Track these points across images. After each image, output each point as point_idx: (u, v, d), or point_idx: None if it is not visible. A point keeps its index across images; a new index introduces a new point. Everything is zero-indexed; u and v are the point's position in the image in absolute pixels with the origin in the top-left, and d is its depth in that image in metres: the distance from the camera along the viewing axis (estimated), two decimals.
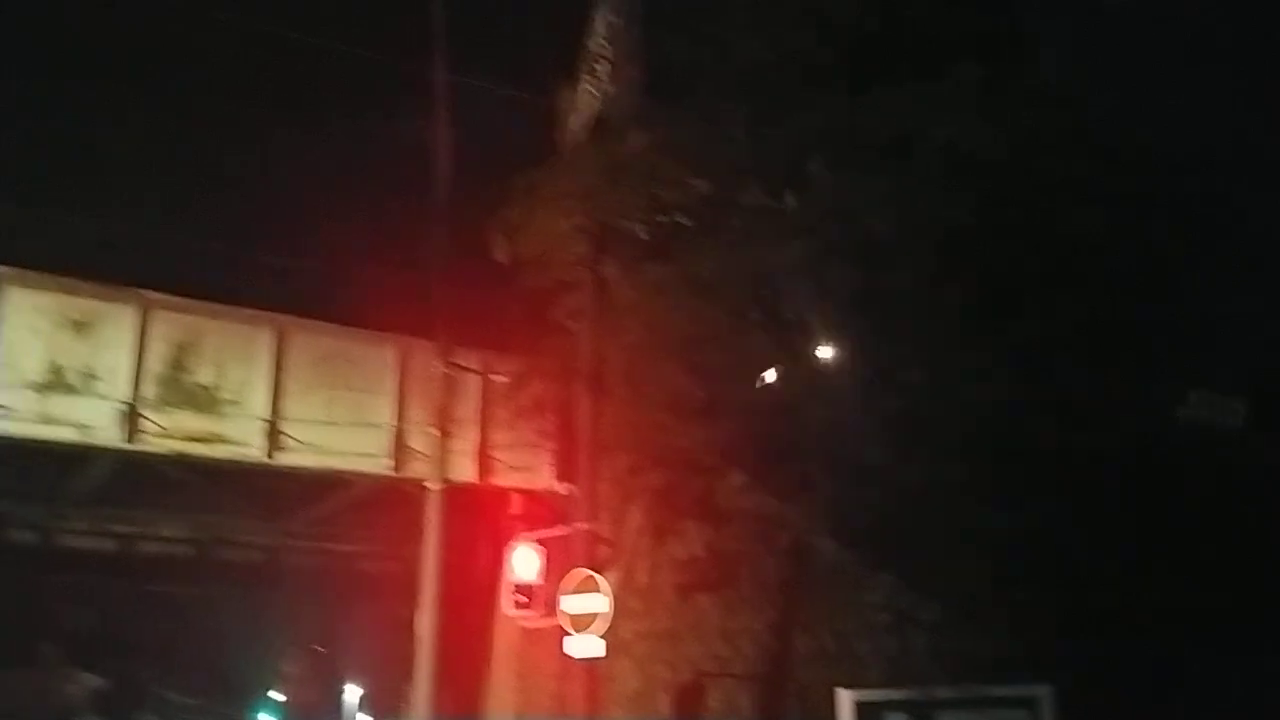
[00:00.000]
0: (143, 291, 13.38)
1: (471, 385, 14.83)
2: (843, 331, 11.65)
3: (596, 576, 12.21)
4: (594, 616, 11.91)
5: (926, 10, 12.16)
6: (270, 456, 13.74)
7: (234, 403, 13.62)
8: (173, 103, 17.09)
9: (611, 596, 11.92)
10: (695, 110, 12.67)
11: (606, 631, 11.74)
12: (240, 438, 13.60)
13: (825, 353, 11.88)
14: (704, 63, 12.71)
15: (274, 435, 13.74)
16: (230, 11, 14.34)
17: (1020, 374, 10.53)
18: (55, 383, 12.86)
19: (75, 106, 16.85)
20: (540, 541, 13.44)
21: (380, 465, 14.45)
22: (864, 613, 12.12)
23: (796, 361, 12.05)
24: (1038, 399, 10.48)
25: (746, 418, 12.11)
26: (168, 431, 13.23)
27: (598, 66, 14.45)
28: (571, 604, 12.13)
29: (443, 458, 13.66)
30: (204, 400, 13.48)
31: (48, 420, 12.81)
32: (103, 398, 12.96)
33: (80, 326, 13.10)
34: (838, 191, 11.39)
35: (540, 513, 14.59)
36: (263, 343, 13.94)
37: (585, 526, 12.67)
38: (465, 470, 14.50)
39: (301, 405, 14.00)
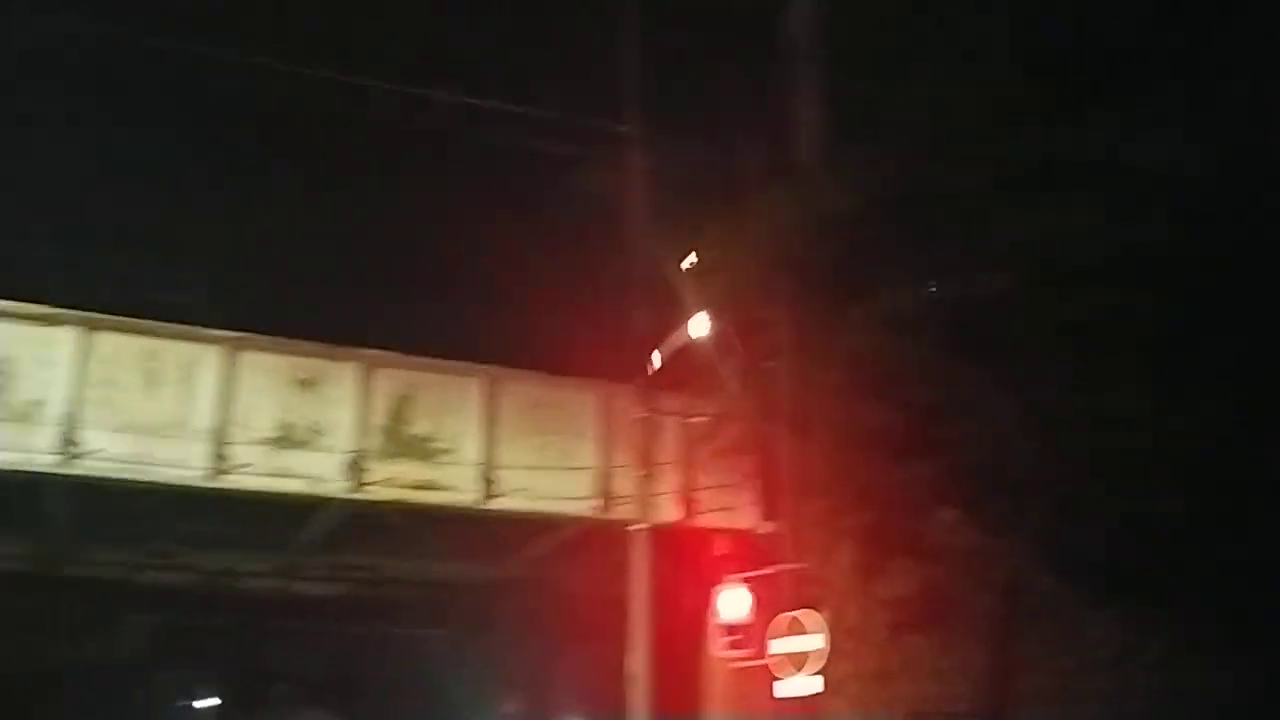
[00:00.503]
0: (363, 350, 14.26)
1: (673, 428, 15.17)
2: (1050, 361, 11.50)
3: (807, 616, 12.36)
4: (806, 656, 12.05)
5: (1122, 29, 11.95)
6: (485, 502, 14.36)
7: (450, 451, 14.36)
8: (381, 170, 18.07)
9: (826, 635, 12.02)
10: (884, 147, 12.78)
11: (819, 671, 11.84)
12: (456, 484, 14.31)
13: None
14: (890, 100, 12.81)
15: (488, 481, 14.36)
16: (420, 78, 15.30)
17: (1237, 401, 10.19)
18: (286, 438, 13.81)
19: (288, 181, 18.03)
20: (747, 581, 13.66)
21: (588, 508, 14.91)
22: (1083, 650, 11.85)
23: (1004, 394, 11.95)
24: (1259, 426, 10.11)
25: (954, 452, 12.07)
26: (390, 480, 14.02)
27: (783, 107, 14.74)
28: (782, 644, 12.33)
29: (646, 500, 14.13)
30: (422, 450, 14.27)
31: (280, 474, 13.75)
32: (329, 451, 13.84)
33: (307, 385, 14.06)
34: (1038, 220, 11.29)
35: (745, 553, 14.80)
36: (474, 393, 14.64)
37: (792, 566, 12.83)
38: (669, 512, 14.84)
39: (512, 452, 14.63)
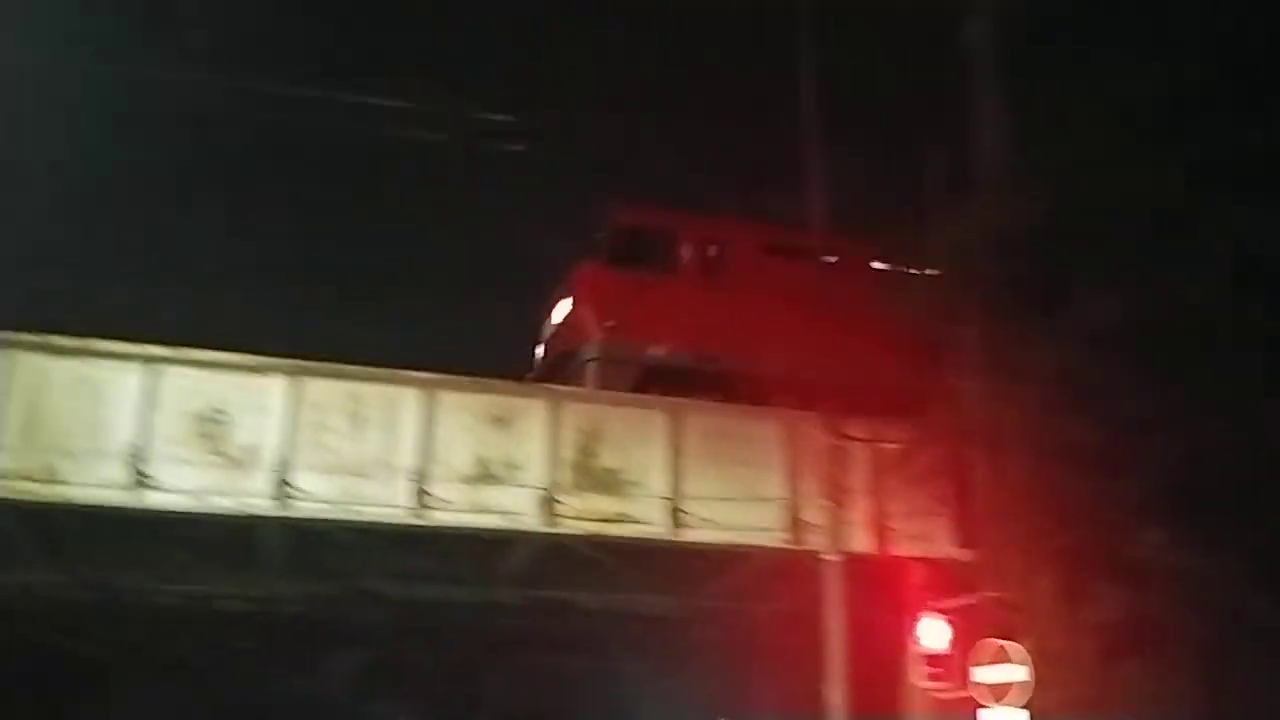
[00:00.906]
0: (552, 386, 14.73)
1: (861, 454, 15.11)
2: (1259, 371, 11.02)
3: (1010, 646, 12.12)
4: (1009, 687, 11.80)
5: None
6: (674, 534, 14.59)
7: (638, 484, 14.70)
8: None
9: (1030, 666, 11.76)
10: (1069, 152, 12.51)
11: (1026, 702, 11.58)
12: (646, 517, 14.62)
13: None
14: (1072, 102, 12.55)
15: (675, 513, 14.61)
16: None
17: None
18: (482, 474, 14.40)
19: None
20: (947, 610, 13.46)
21: (776, 539, 14.98)
22: None
23: (1211, 406, 11.50)
24: None
25: (1161, 469, 11.67)
26: (582, 514, 14.43)
27: (962, 118, 14.59)
28: (986, 674, 12.12)
29: (837, 529, 14.11)
30: (611, 483, 14.65)
31: (478, 509, 14.34)
32: (523, 486, 14.35)
33: (500, 422, 14.62)
34: (1238, 221, 10.86)
35: (942, 581, 14.57)
36: (659, 426, 14.92)
37: (993, 594, 12.59)
38: (862, 541, 14.77)
39: (699, 483, 14.87)
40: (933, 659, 13.67)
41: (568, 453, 14.65)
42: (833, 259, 16.28)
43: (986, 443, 13.83)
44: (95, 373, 13.48)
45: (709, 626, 19.34)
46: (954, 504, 14.94)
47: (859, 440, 14.85)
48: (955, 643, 13.67)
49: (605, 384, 16.03)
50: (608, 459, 14.76)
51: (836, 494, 14.22)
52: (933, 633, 13.95)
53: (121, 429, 13.32)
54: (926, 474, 14.99)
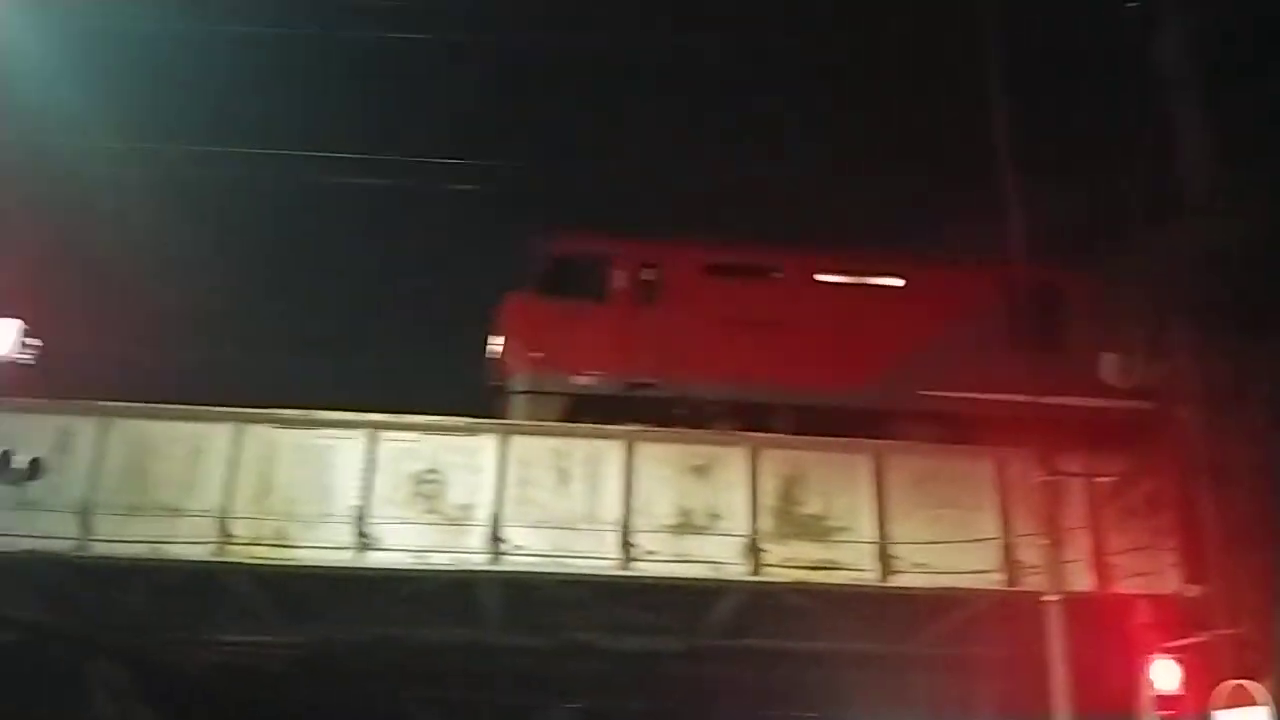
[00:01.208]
0: (750, 434, 14.86)
1: (1078, 490, 14.69)
2: None
3: (1251, 686, 11.53)
4: None
5: None
6: (884, 580, 14.47)
7: (844, 529, 14.69)
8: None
9: (1272, 706, 11.16)
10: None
11: None
12: (853, 563, 14.58)
13: None
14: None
15: (885, 559, 14.49)
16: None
17: None
18: (685, 524, 14.65)
19: None
20: (1177, 650, 12.90)
21: (992, 581, 14.67)
22: None
23: None
24: None
25: None
26: (787, 561, 14.49)
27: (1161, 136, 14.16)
28: (1225, 717, 11.51)
29: (1056, 568, 13.71)
30: (816, 529, 14.69)
31: (683, 559, 14.57)
32: (727, 534, 14.51)
33: (700, 471, 14.85)
34: None
35: (1170, 619, 13.96)
36: (862, 468, 14.85)
37: (1227, 631, 12.01)
38: (1082, 580, 14.33)
39: (906, 527, 14.75)
40: (1164, 701, 13.10)
41: (769, 499, 14.77)
42: (779, 275, 16.61)
43: (1212, 472, 13.23)
44: (318, 441, 14.38)
45: (924, 673, 18.94)
46: (1178, 537, 14.33)
47: (1074, 475, 14.41)
48: (1187, 683, 13.07)
49: (533, 415, 15.84)
50: (811, 504, 14.79)
51: (1053, 532, 13.81)
52: (1164, 673, 13.38)
53: (345, 493, 14.17)
54: (1146, 507, 14.45)
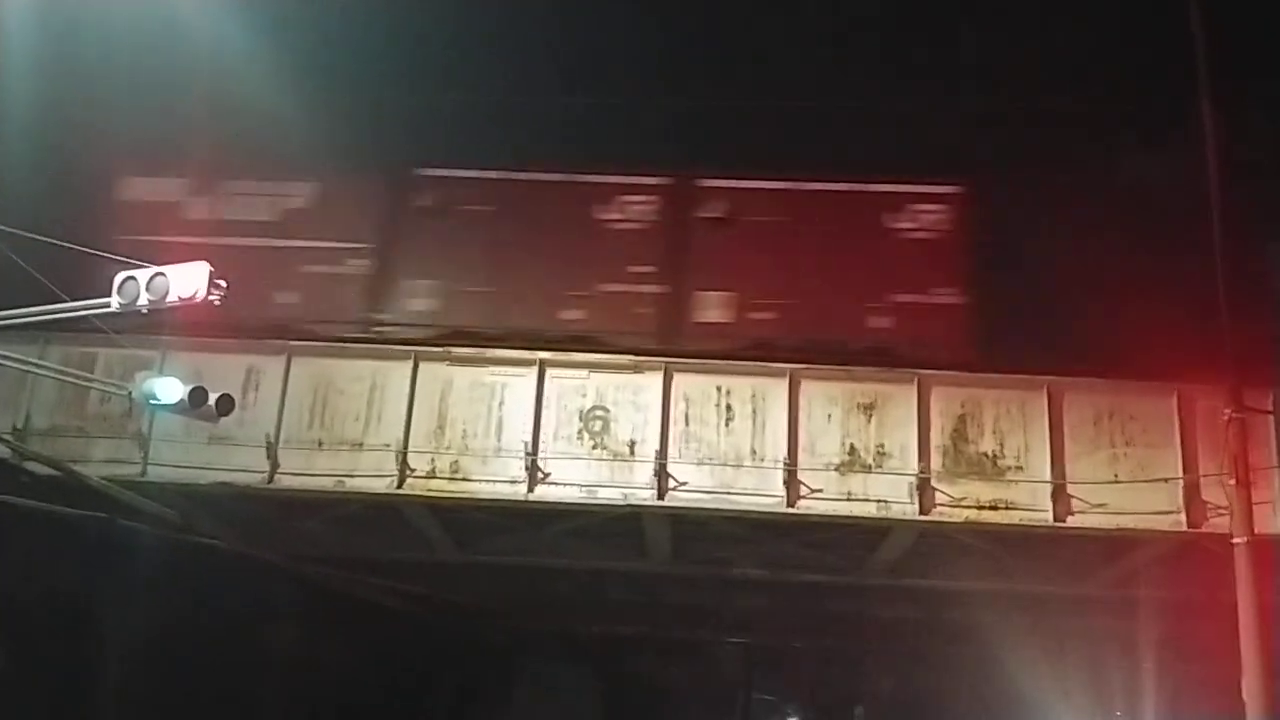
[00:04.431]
0: (918, 371, 14.51)
1: (1267, 428, 13.90)
2: None
3: None
4: None
5: None
6: (1059, 520, 14.02)
7: (1017, 468, 14.27)
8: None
9: None
10: None
11: None
12: (1027, 502, 14.16)
13: None
14: None
15: (1060, 498, 14.03)
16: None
17: None
18: (852, 462, 14.43)
19: None
20: None
21: (1174, 522, 14.07)
22: None
23: None
24: None
25: None
26: (958, 501, 14.15)
27: None
28: None
29: (1245, 509, 13.03)
30: (988, 468, 14.30)
31: (849, 497, 14.39)
32: (895, 473, 14.25)
33: (868, 409, 14.60)
34: None
35: None
36: (1037, 407, 14.38)
37: None
38: (1273, 521, 13.56)
39: (1083, 466, 14.29)
40: None
41: (939, 438, 14.44)
42: None
43: None
44: (491, 378, 14.64)
45: (1100, 615, 18.41)
46: None
47: (1266, 412, 13.64)
48: None
49: None
50: (983, 443, 14.40)
51: (1241, 471, 13.11)
52: None
53: (515, 428, 14.41)
54: None
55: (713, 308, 16.24)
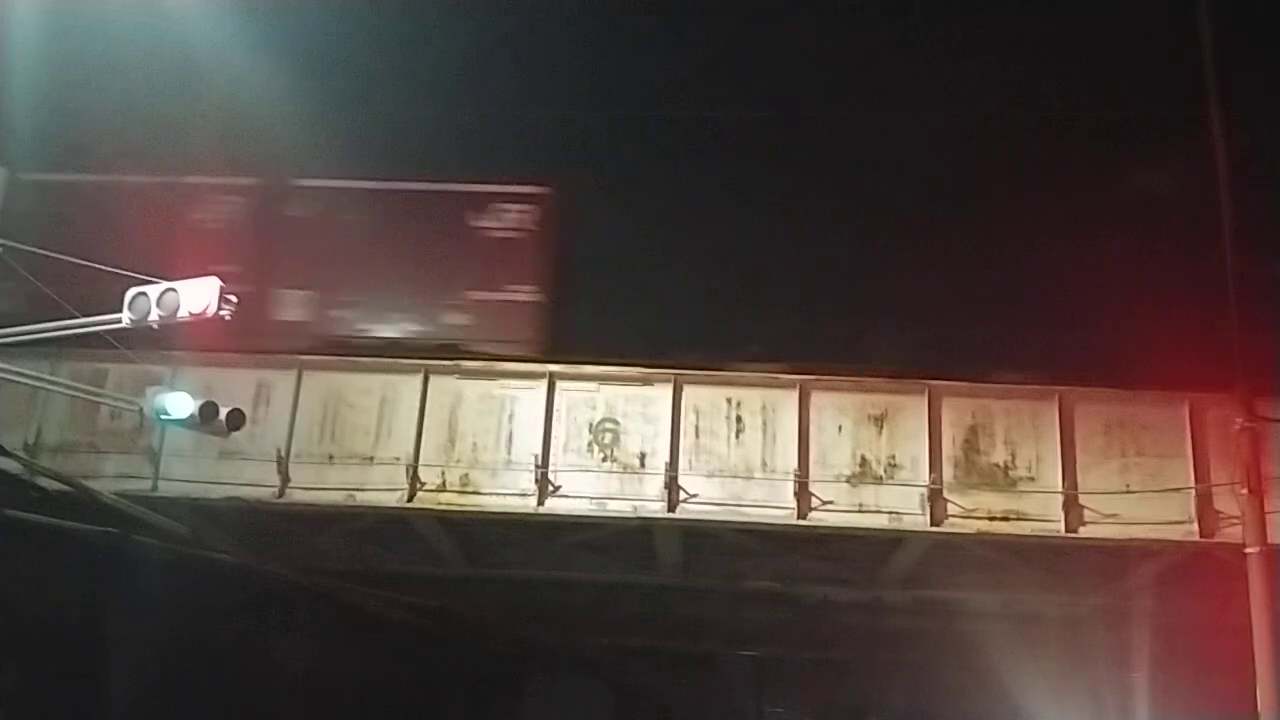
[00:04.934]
0: (930, 381, 14.49)
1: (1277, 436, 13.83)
2: None
3: None
4: None
5: None
6: (1070, 530, 13.97)
7: (1028, 479, 14.22)
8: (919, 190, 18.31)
9: None
10: None
11: None
12: (1039, 513, 14.10)
13: None
14: None
15: (1071, 509, 13.98)
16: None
17: None
18: (863, 474, 14.39)
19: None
20: None
21: (1185, 532, 14.02)
22: None
23: None
24: None
25: None
26: (969, 512, 14.12)
27: None
28: None
29: (1258, 519, 12.99)
30: (999, 479, 14.27)
31: (860, 509, 14.35)
32: (906, 484, 14.21)
33: (878, 420, 14.55)
34: None
35: None
36: (1048, 417, 14.34)
37: None
38: None
39: (1094, 476, 14.23)
40: None
41: (951, 449, 14.38)
42: None
43: None
44: (501, 391, 14.64)
45: (1113, 626, 18.33)
46: None
47: (1274, 421, 13.58)
48: None
49: None
50: (994, 453, 14.36)
51: (1254, 480, 13.06)
52: None
53: (525, 441, 14.42)
54: None
55: (294, 306, 16.40)
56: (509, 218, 16.77)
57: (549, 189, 16.99)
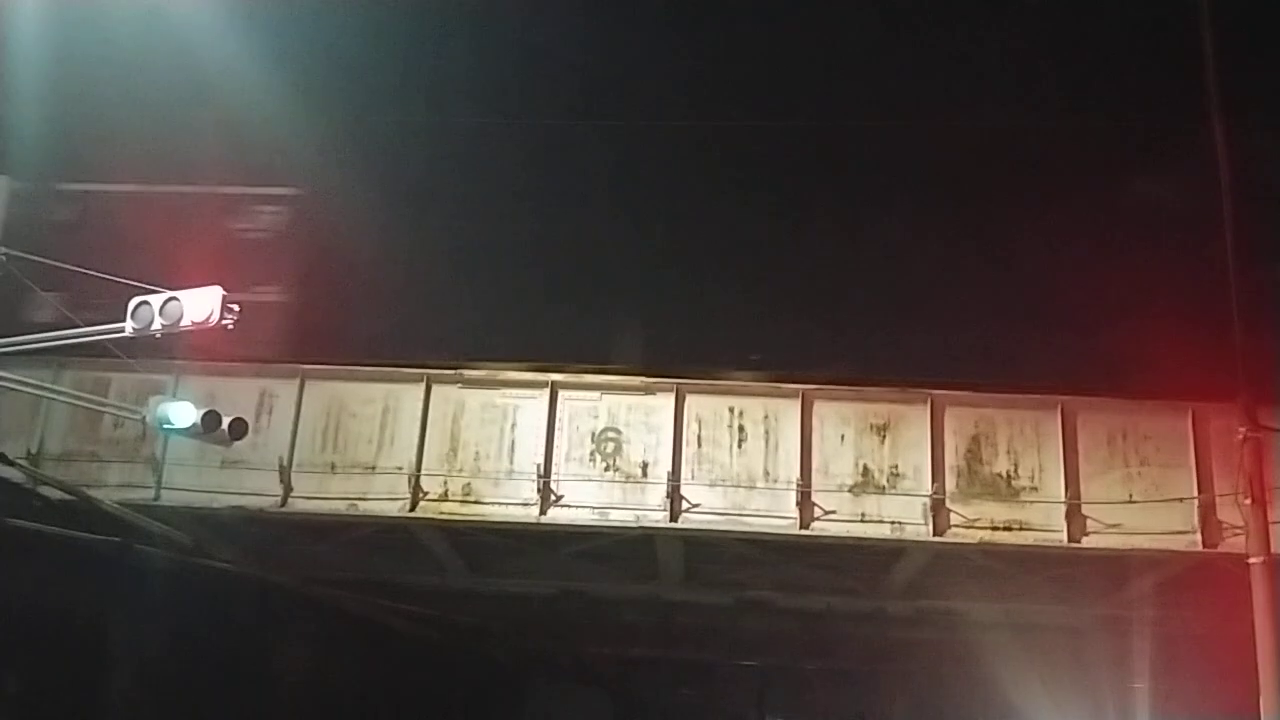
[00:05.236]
0: (933, 391, 14.47)
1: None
2: None
3: None
4: None
5: None
6: (1073, 540, 13.96)
7: (1031, 489, 14.20)
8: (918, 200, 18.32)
9: None
10: None
11: None
12: (1042, 523, 14.08)
13: None
14: None
15: (1074, 519, 13.97)
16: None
17: None
18: (865, 483, 14.38)
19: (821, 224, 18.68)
20: None
21: (1188, 542, 14.00)
22: None
23: None
24: None
25: None
26: (972, 522, 14.10)
27: None
28: None
29: (1261, 529, 12.97)
30: (1002, 489, 14.25)
31: (863, 519, 14.32)
32: (909, 494, 14.20)
33: (881, 430, 14.54)
34: None
35: None
36: (1051, 427, 14.33)
37: None
38: None
39: (1097, 486, 14.20)
40: None
41: (953, 459, 14.37)
42: None
43: None
44: (503, 400, 14.65)
45: (1115, 636, 18.29)
46: None
47: (1277, 431, 13.56)
48: None
49: None
50: (997, 464, 14.34)
51: (1257, 490, 13.04)
52: None
53: (527, 450, 14.42)
54: None
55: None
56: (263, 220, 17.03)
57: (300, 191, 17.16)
